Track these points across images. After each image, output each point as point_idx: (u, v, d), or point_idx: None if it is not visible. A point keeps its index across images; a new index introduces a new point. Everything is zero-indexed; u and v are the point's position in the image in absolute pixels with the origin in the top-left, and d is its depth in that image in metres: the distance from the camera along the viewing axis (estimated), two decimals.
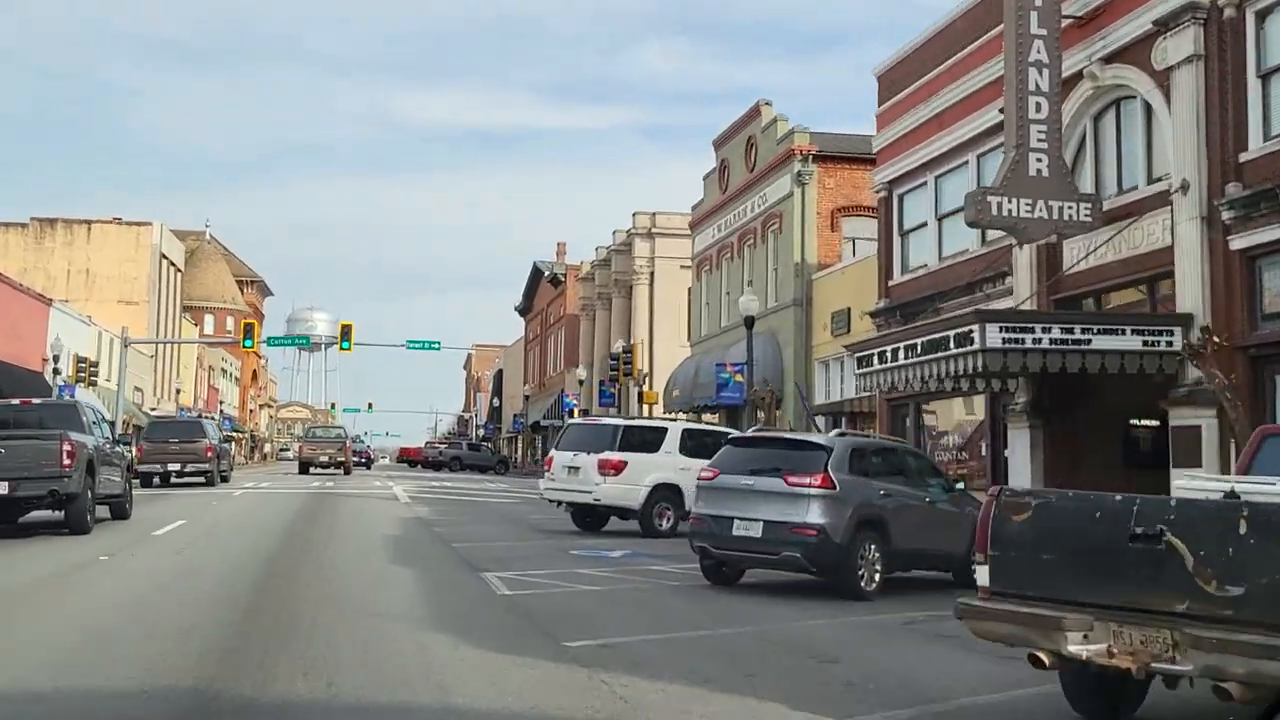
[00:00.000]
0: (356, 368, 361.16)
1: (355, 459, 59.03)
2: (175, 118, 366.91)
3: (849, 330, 32.07)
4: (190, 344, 77.16)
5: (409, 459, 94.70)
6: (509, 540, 18.70)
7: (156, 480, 36.58)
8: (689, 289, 55.55)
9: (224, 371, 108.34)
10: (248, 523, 20.84)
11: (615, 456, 19.73)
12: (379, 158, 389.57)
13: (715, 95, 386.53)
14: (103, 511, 20.27)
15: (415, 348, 55.22)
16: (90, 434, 19.71)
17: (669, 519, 20.07)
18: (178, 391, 70.05)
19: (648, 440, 20.40)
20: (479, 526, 21.36)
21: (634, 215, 55.87)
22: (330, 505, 26.26)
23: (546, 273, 75.93)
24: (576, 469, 20.18)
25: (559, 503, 20.91)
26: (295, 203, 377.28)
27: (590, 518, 21.06)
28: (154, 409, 72.24)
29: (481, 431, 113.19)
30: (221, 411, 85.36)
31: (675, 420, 22.32)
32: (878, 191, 29.93)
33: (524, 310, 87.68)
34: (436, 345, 55.51)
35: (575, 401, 56.78)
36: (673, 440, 20.46)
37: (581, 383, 57.60)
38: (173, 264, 79.94)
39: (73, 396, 43.60)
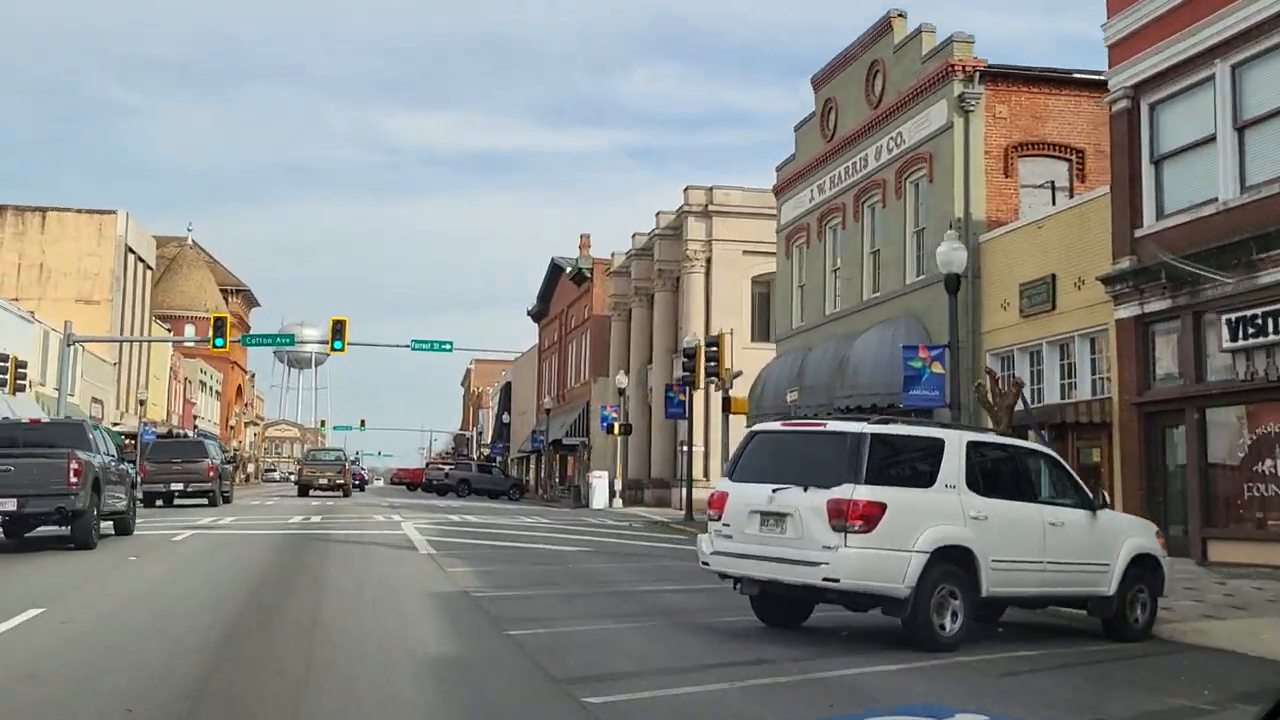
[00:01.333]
0: (347, 386, 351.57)
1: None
2: (167, 137, 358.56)
3: (1054, 306, 22.68)
4: (149, 343, 67.55)
5: (407, 481, 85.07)
6: (678, 667, 9.17)
7: (159, 501, 36.34)
8: (753, 278, 46.24)
9: (203, 384, 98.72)
10: (151, 619, 11.31)
11: (865, 495, 10.15)
12: (370, 179, 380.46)
13: (704, 118, 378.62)
14: (108, 527, 21.00)
15: (422, 349, 45.75)
16: (96, 452, 20.20)
17: (955, 615, 10.51)
18: (140, 403, 60.34)
19: (913, 463, 10.85)
20: (588, 624, 11.76)
21: (686, 191, 46.51)
22: (313, 566, 16.69)
23: (568, 269, 66.44)
24: (782, 518, 10.59)
25: (737, 580, 11.26)
26: (286, 223, 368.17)
27: (784, 605, 11.50)
28: (116, 424, 62.69)
29: (486, 451, 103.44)
30: (196, 428, 75.56)
31: (946, 427, 12.51)
32: (1114, 102, 20.57)
33: (538, 315, 78.13)
34: (448, 346, 46.04)
35: (614, 414, 47.28)
36: (954, 463, 10.87)
37: (622, 392, 48.05)
38: (141, 260, 70.34)
39: None
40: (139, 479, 32.36)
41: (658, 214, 50.21)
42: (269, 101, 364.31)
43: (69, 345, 43.74)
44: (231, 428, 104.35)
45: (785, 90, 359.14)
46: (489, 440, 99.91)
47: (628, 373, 52.19)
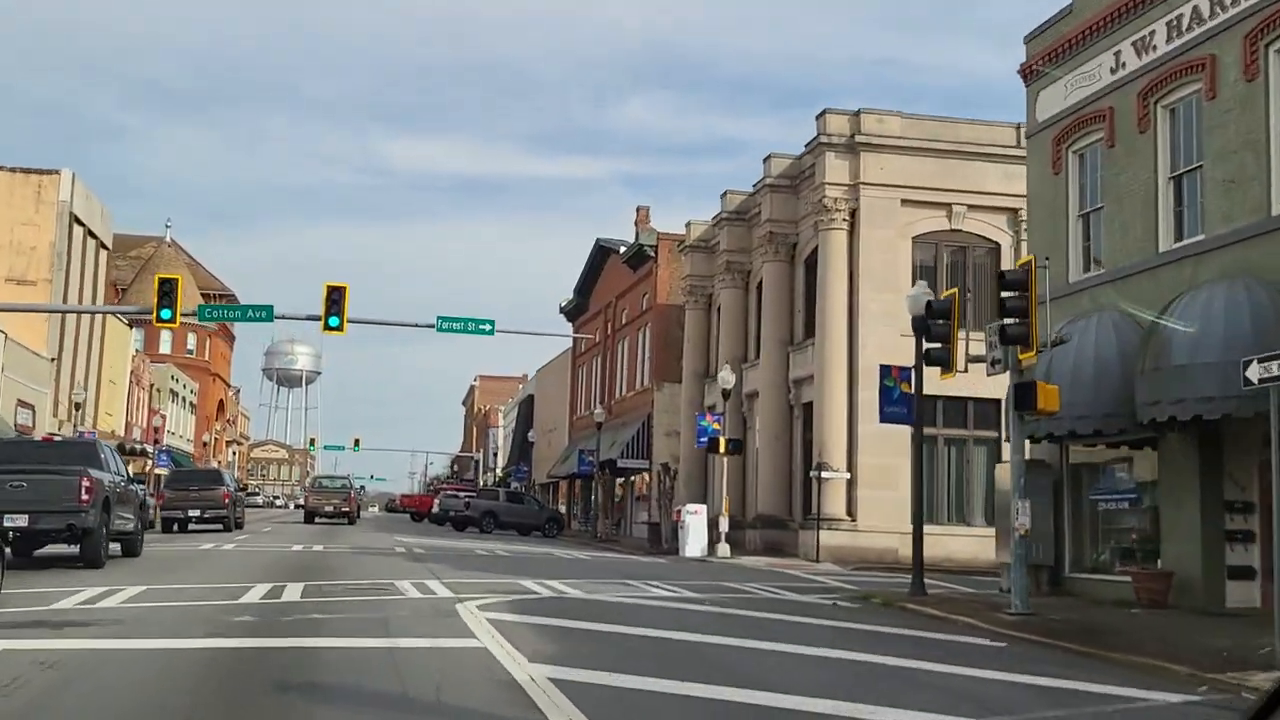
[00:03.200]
0: (337, 406, 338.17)
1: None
2: (161, 158, 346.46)
3: None
4: (100, 335, 54.55)
5: (412, 510, 71.73)
6: None
7: (175, 526, 37.68)
8: (914, 238, 33.34)
9: (174, 394, 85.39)
10: None
11: None
12: (364, 202, 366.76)
13: (698, 148, 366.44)
14: (115, 548, 21.12)
15: (452, 329, 32.71)
16: (107, 472, 20.60)
17: None
18: (76, 408, 47.14)
19: None
20: None
21: (822, 117, 33.49)
22: None
23: (622, 250, 53.43)
24: None
25: None
26: (277, 244, 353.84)
27: None
28: (54, 435, 49.49)
29: (499, 474, 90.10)
30: (157, 441, 62.25)
31: None
32: None
33: (575, 311, 64.97)
34: (487, 326, 32.99)
35: (717, 427, 34.14)
36: None
37: (726, 395, 34.79)
38: (92, 235, 57.08)
39: None
40: (156, 505, 36.22)
41: (768, 159, 37.26)
42: (264, 124, 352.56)
43: None
44: (206, 445, 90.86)
45: (778, 120, 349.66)
46: (505, 463, 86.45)
47: (705, 372, 39.08)
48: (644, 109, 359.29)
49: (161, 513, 37.71)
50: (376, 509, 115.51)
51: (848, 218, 32.95)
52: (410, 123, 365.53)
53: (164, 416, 77.84)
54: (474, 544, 35.22)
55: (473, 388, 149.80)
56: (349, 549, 28.48)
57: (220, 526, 38.29)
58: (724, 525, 32.50)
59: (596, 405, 51.11)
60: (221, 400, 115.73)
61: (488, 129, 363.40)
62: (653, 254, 49.11)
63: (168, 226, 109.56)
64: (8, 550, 15.35)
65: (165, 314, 31.05)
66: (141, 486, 26.80)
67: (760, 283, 39.36)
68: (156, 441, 61.50)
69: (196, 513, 38.19)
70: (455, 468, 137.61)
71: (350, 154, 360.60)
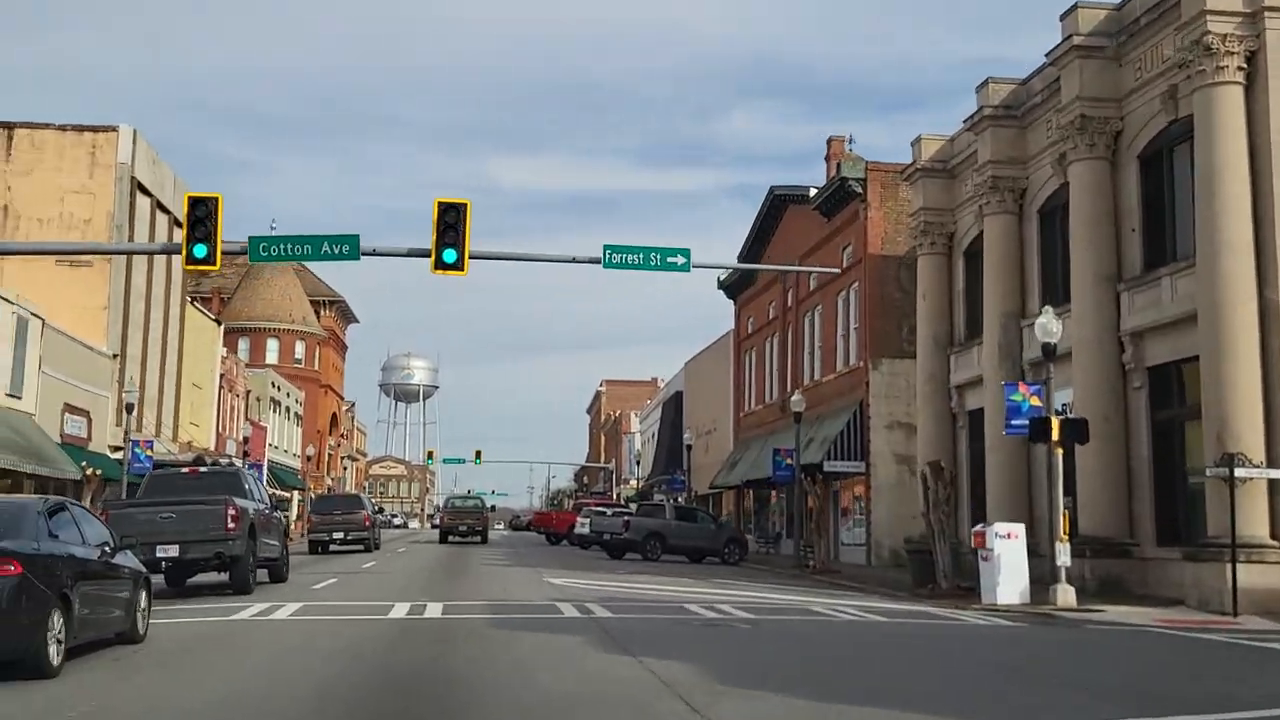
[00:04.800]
0: (455, 419, 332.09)
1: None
2: (280, 190, 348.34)
3: None
4: (68, 253, 44.97)
5: (547, 530, 60.73)
6: None
7: (320, 549, 39.83)
8: None
9: (276, 404, 75.96)
10: None
11: None
12: (475, 224, 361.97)
13: (806, 154, 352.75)
14: (262, 575, 22.04)
15: (624, 265, 21.47)
16: (251, 500, 21.62)
17: None
18: (128, 410, 37.07)
19: None
20: None
21: None
22: None
23: (812, 193, 41.66)
24: None
25: None
26: (386, 272, 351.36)
27: None
28: (118, 449, 39.83)
29: (637, 484, 78.90)
30: (247, 454, 52.25)
31: None
32: None
33: (739, 284, 53.25)
34: (680, 259, 21.66)
35: (1038, 403, 22.00)
36: None
37: (1050, 352, 22.46)
38: (162, 207, 47.25)
39: None
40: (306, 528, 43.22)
41: (1070, 11, 25.18)
42: (373, 153, 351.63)
43: None
44: (310, 458, 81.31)
45: (881, 125, 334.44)
46: (649, 472, 74.96)
47: (950, 339, 27.09)
48: (747, 119, 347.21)
49: (309, 535, 41.50)
50: (502, 527, 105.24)
51: (1243, 65, 20.77)
52: (514, 143, 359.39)
53: (264, 428, 68.61)
54: (663, 585, 23.80)
55: (599, 394, 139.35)
56: (482, 610, 17.29)
57: (362, 547, 40.40)
58: (1063, 557, 20.50)
59: (793, 392, 39.28)
60: (335, 414, 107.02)
61: (592, 146, 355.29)
62: (860, 189, 37.26)
63: (273, 227, 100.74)
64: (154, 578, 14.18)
65: (199, 250, 20.32)
66: (284, 514, 27.10)
67: (1050, 200, 27.36)
68: (246, 454, 51.58)
69: (340, 535, 40.17)
70: (584, 480, 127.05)
71: (456, 176, 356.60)
